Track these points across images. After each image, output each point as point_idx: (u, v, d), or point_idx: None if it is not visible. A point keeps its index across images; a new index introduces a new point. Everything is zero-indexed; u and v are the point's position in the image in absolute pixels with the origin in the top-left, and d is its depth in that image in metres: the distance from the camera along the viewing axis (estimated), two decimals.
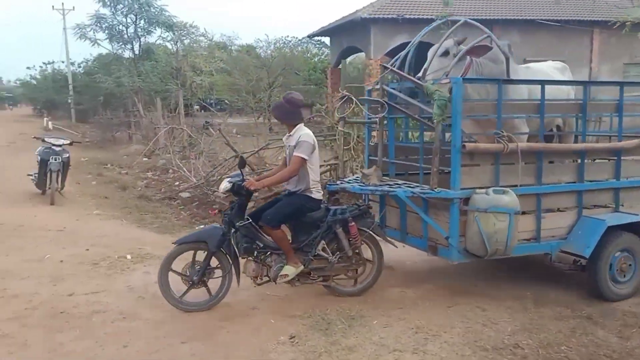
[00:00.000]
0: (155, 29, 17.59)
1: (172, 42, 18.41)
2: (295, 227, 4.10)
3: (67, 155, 7.71)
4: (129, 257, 5.09)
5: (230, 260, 3.90)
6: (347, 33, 18.10)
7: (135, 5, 16.62)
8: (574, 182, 4.20)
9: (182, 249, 3.89)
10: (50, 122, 20.69)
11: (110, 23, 17.13)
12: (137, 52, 17.68)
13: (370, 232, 4.20)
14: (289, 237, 4.08)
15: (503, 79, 4.00)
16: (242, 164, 3.96)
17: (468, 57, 4.19)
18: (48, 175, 7.49)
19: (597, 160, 4.49)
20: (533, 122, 4.35)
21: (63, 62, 30.97)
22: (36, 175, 7.80)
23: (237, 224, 3.85)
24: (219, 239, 3.82)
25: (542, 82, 4.01)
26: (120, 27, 17.27)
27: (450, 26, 4.47)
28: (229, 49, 27.41)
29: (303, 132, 3.95)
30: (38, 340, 3.41)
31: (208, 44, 22.63)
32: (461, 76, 4.09)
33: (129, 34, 17.43)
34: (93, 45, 17.75)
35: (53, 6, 31.35)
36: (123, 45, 17.82)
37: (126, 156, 13.43)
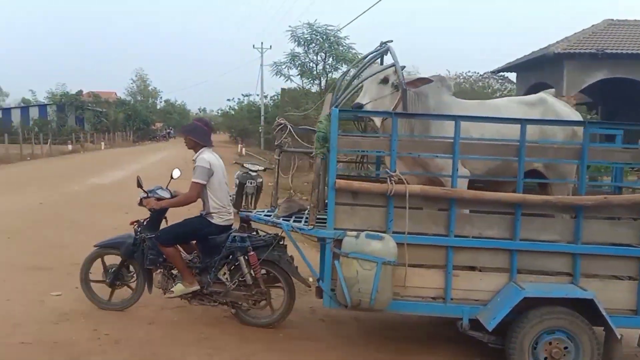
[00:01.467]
0: (342, 65, 19.67)
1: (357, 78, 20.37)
2: (201, 249, 4.46)
3: (261, 180, 9.03)
4: None
5: (140, 269, 4.43)
6: (536, 68, 18.14)
7: (326, 44, 18.99)
8: (503, 239, 3.64)
9: (98, 252, 4.55)
10: (243, 149, 24.55)
11: (303, 60, 19.87)
12: (322, 87, 19.89)
13: (279, 265, 4.28)
14: (198, 257, 4.44)
15: (398, 112, 3.77)
16: (138, 183, 4.48)
17: (403, 88, 4.08)
18: (244, 197, 8.86)
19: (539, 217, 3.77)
20: (478, 164, 3.95)
21: (257, 95, 36.87)
22: (233, 196, 8.86)
23: (146, 236, 4.36)
24: (130, 248, 4.39)
25: (456, 118, 3.64)
26: (311, 64, 19.89)
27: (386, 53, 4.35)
28: None
29: (200, 156, 4.32)
30: None
31: None
32: (393, 108, 4.02)
33: (318, 71, 19.91)
34: (286, 80, 20.80)
35: (254, 45, 39.10)
36: (312, 81, 20.42)
37: (306, 183, 14.71)
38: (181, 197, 4.40)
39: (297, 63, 19.61)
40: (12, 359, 3.67)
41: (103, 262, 4.58)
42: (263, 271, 4.37)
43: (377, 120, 4.08)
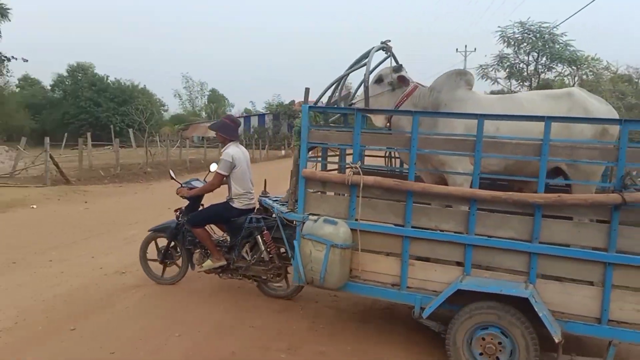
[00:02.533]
0: (557, 65, 19.24)
1: (569, 77, 19.80)
2: (228, 230, 5.41)
3: None
4: None
5: (183, 249, 5.53)
6: None
7: (539, 43, 18.78)
8: (458, 233, 3.86)
9: (152, 236, 5.75)
10: None
11: (512, 62, 19.95)
12: (533, 88, 19.51)
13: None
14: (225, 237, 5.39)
15: (360, 108, 4.17)
16: (171, 177, 5.53)
17: (409, 86, 4.52)
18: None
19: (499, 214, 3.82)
20: (493, 161, 4.14)
21: None
22: None
23: (184, 220, 5.44)
24: (173, 231, 5.52)
25: (414, 113, 3.94)
26: (521, 65, 19.87)
27: (387, 51, 4.76)
28: (634, 82, 26.30)
29: (225, 151, 5.24)
30: None
31: (611, 77, 22.40)
32: (396, 105, 4.50)
33: (528, 71, 19.85)
34: (493, 83, 20.95)
35: (457, 49, 41.48)
36: (522, 83, 20.39)
37: None
38: (206, 185, 5.38)
39: (505, 65, 19.21)
40: (244, 337, 4.34)
41: (156, 244, 5.76)
42: (282, 249, 5.11)
43: (378, 120, 4.53)
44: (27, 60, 35.94)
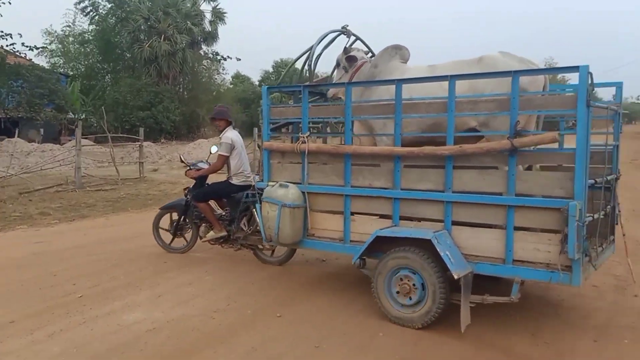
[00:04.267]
0: None
1: None
2: (228, 204, 6.49)
3: None
4: None
5: (192, 223, 6.72)
6: None
7: None
8: (387, 188, 4.52)
9: (163, 212, 7.04)
10: None
11: None
12: None
13: None
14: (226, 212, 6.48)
15: (307, 85, 4.98)
16: (181, 159, 6.69)
17: (354, 64, 5.33)
18: None
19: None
20: (416, 123, 4.81)
21: None
22: None
23: (190, 198, 6.63)
24: (182, 208, 6.73)
25: (346, 85, 4.68)
26: None
27: (348, 35, 5.54)
28: None
29: (225, 135, 6.33)
30: None
31: None
32: (348, 81, 5.35)
33: None
34: None
35: None
36: None
37: None
38: (210, 167, 6.51)
39: None
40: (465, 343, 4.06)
41: (170, 217, 7.03)
42: None
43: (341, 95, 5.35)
44: (240, 59, 40.97)
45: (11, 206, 10.79)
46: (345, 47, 5.44)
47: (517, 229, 3.95)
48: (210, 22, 38.98)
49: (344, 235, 4.81)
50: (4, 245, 7.45)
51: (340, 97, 5.41)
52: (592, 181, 4.00)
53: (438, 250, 4.00)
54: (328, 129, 6.47)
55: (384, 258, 4.34)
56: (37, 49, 29.84)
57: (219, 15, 38.87)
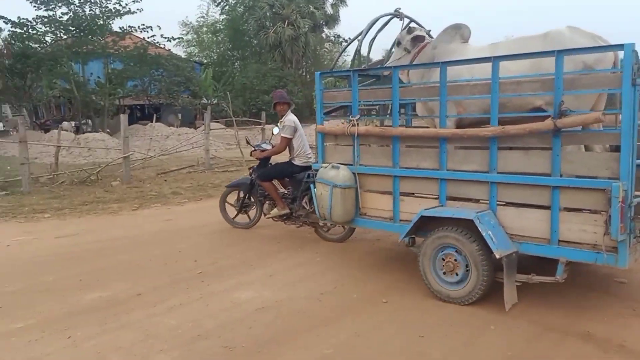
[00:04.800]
0: None
1: None
2: (291, 184, 6.88)
3: None
4: None
5: (256, 200, 7.18)
6: None
7: None
8: (433, 169, 4.67)
9: (229, 190, 7.52)
10: None
11: None
12: None
13: None
14: (289, 191, 6.87)
15: (357, 69, 5.16)
16: (247, 141, 7.09)
17: (418, 45, 5.47)
18: None
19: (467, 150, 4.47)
20: (477, 104, 4.83)
21: None
22: None
23: (255, 177, 7.07)
24: (247, 186, 7.20)
25: (394, 68, 4.82)
26: None
27: (401, 18, 5.65)
28: None
29: (287, 118, 6.69)
30: None
31: None
32: (411, 62, 5.51)
33: None
34: None
35: None
36: None
37: None
38: (275, 148, 6.89)
39: None
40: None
41: (238, 195, 7.51)
42: None
43: (404, 76, 5.48)
44: None
45: (149, 186, 11.89)
46: (409, 27, 5.51)
47: (563, 210, 3.99)
48: (332, 5, 39.56)
49: (393, 215, 5.02)
50: (140, 222, 8.10)
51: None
52: None
53: (480, 229, 4.12)
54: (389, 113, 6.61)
55: (429, 237, 4.51)
56: (175, 39, 32.43)
57: None
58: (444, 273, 4.44)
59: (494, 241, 4.08)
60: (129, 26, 27.92)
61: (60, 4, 26.47)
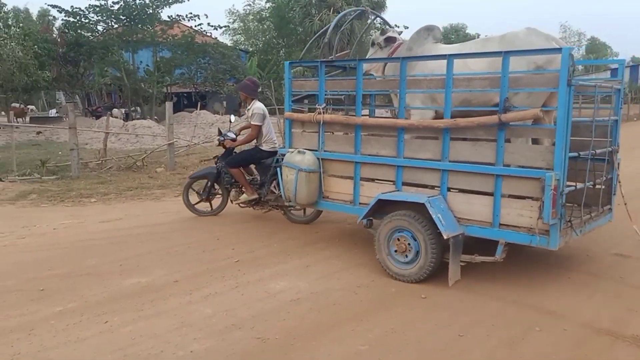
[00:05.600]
0: None
1: None
2: (258, 170, 7.21)
3: None
4: None
5: (223, 188, 7.47)
6: None
7: None
8: (391, 157, 5.08)
9: (193, 180, 7.76)
10: None
11: None
12: None
13: None
14: (256, 176, 7.19)
15: (323, 60, 5.55)
16: (219, 132, 7.38)
17: (394, 44, 5.86)
18: None
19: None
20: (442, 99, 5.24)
21: None
22: None
23: (222, 165, 7.34)
24: (214, 175, 7.48)
25: (359, 60, 5.21)
26: None
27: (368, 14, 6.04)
28: None
29: (255, 106, 7.01)
30: None
31: None
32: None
33: None
34: None
35: None
36: None
37: None
38: (247, 136, 7.19)
39: None
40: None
41: (206, 184, 7.64)
42: None
43: (374, 71, 5.87)
44: (407, 27, 41.13)
45: (192, 172, 11.68)
46: (382, 28, 5.93)
47: (504, 196, 4.46)
48: None
49: (353, 198, 5.43)
50: (181, 209, 7.79)
51: (372, 74, 5.93)
52: (576, 154, 4.42)
53: (430, 212, 4.56)
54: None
55: (385, 219, 4.93)
56: (221, 28, 32.72)
57: None
58: (397, 252, 4.88)
59: (442, 223, 4.53)
60: (177, 15, 28.90)
61: None
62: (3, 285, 4.91)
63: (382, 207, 5.02)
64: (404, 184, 5.06)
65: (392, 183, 5.17)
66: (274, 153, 7.01)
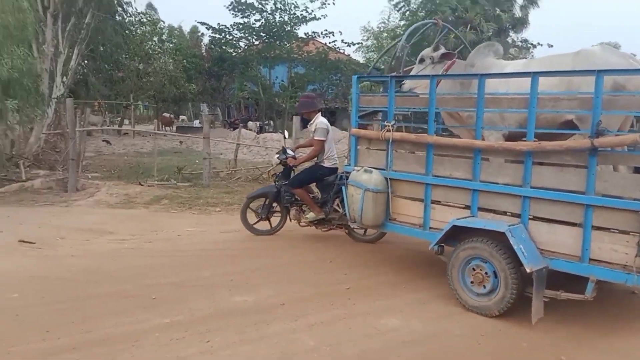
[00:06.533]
0: None
1: None
2: (320, 188, 7.07)
3: None
4: None
5: (282, 207, 7.35)
6: None
7: None
8: (466, 180, 4.81)
9: (251, 200, 7.62)
10: None
11: None
12: None
13: None
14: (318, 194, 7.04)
15: (393, 75, 5.32)
16: (283, 150, 7.25)
17: (448, 60, 5.64)
18: None
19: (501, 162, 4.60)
20: (514, 117, 4.97)
21: None
22: None
23: (282, 184, 7.22)
24: (274, 194, 7.37)
25: (431, 77, 4.96)
26: None
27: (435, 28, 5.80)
28: None
29: (319, 120, 6.86)
30: None
31: None
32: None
33: None
34: None
35: None
36: None
37: None
38: (311, 152, 7.03)
39: None
40: None
41: (264, 203, 7.47)
42: None
43: (420, 88, 5.64)
44: (551, 46, 36.75)
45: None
46: (436, 43, 5.67)
47: (595, 228, 4.10)
48: (521, 7, 36.52)
49: (423, 222, 5.17)
50: (295, 225, 7.36)
51: (415, 91, 5.68)
52: None
53: (511, 243, 4.26)
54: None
55: (459, 247, 4.66)
56: (355, 45, 34.13)
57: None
58: (472, 283, 4.61)
59: (525, 255, 4.22)
60: (313, 32, 30.89)
61: (254, 12, 29.46)
62: (121, 289, 5.08)
63: (455, 234, 4.76)
64: (479, 209, 4.78)
65: (465, 207, 4.90)
66: (336, 170, 6.85)
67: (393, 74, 5.67)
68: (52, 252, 6.50)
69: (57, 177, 11.74)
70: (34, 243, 6.76)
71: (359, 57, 41.58)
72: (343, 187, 5.84)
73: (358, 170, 5.50)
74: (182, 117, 37.89)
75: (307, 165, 7.35)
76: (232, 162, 14.12)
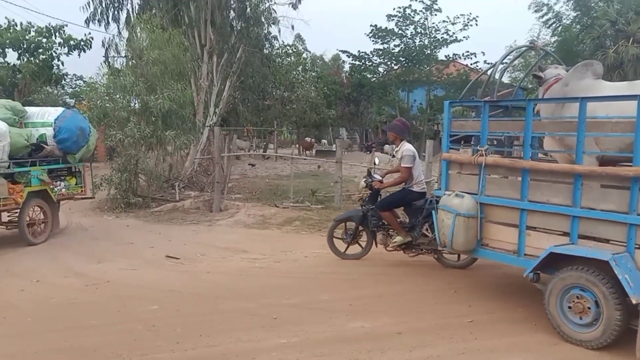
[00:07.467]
0: None
1: None
2: (408, 212, 7.12)
3: None
4: None
5: (369, 230, 7.43)
6: None
7: None
8: (565, 206, 4.72)
9: (338, 223, 7.75)
10: None
11: None
12: None
13: None
14: (406, 219, 7.09)
15: (487, 100, 5.32)
16: (369, 173, 7.36)
17: (546, 81, 5.67)
18: None
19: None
20: (611, 141, 4.90)
21: None
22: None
23: (369, 207, 7.33)
24: (360, 217, 7.49)
25: (528, 101, 4.95)
26: None
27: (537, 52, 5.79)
28: None
29: (405, 147, 6.98)
30: None
31: None
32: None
33: None
34: None
35: None
36: None
37: None
38: (398, 178, 7.15)
39: None
40: None
41: (345, 227, 7.69)
42: None
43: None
44: None
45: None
46: (539, 66, 5.67)
47: None
48: None
49: (517, 248, 5.09)
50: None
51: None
52: None
53: (616, 272, 4.12)
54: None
55: (558, 275, 4.54)
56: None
57: None
58: (573, 314, 4.47)
59: (630, 285, 4.06)
60: (454, 54, 30.25)
61: (394, 37, 29.99)
62: (245, 307, 5.41)
63: (552, 261, 4.65)
64: (579, 236, 4.65)
65: (562, 234, 4.79)
66: (424, 194, 6.89)
67: (487, 98, 5.70)
68: (192, 267, 7.22)
69: (205, 198, 12.77)
70: (178, 259, 7.58)
71: (504, 77, 40.51)
72: (433, 212, 5.86)
73: (449, 195, 5.52)
74: (323, 141, 39.02)
75: (394, 189, 7.44)
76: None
